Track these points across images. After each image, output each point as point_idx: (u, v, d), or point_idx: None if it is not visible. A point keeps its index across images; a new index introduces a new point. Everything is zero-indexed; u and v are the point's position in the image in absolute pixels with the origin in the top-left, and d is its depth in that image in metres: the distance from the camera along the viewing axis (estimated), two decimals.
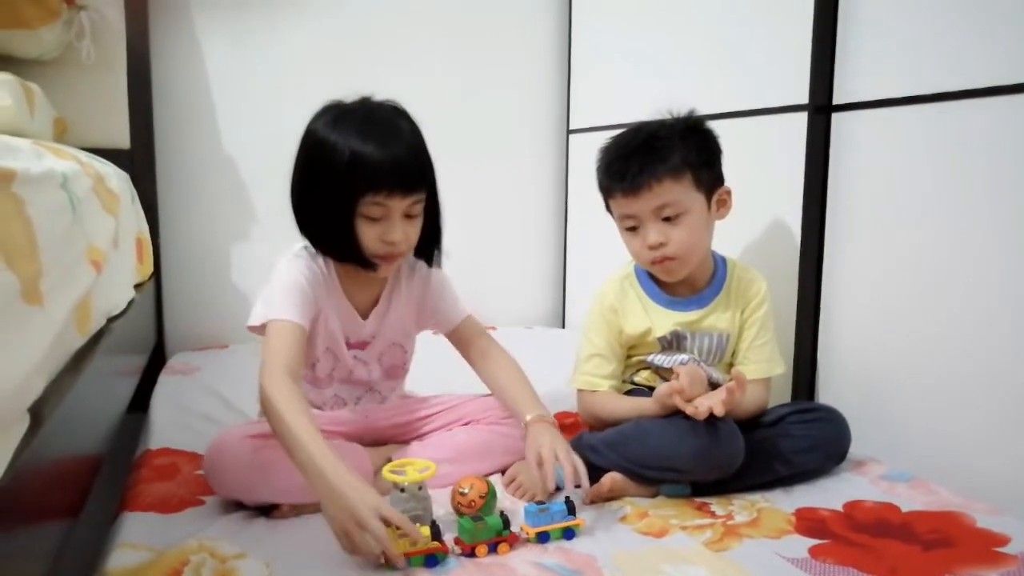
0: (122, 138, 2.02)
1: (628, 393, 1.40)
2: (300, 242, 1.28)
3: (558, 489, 1.19)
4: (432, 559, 1.00)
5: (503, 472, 1.30)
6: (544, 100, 2.57)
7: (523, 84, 2.55)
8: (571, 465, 1.13)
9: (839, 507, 1.19)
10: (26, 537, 0.73)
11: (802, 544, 1.07)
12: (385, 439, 1.37)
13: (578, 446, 1.30)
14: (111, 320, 1.21)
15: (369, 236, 1.19)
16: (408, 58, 2.38)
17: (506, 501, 1.21)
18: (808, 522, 1.14)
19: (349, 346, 1.32)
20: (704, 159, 1.34)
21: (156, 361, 2.01)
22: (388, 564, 0.97)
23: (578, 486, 1.14)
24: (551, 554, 1.03)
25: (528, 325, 2.60)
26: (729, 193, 1.38)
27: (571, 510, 1.08)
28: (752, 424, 1.30)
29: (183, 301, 2.25)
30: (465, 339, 1.37)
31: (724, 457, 1.20)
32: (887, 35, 1.42)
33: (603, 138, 1.41)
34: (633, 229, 1.36)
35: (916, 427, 1.39)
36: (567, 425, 1.52)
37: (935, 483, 1.27)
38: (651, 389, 1.31)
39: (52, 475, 0.82)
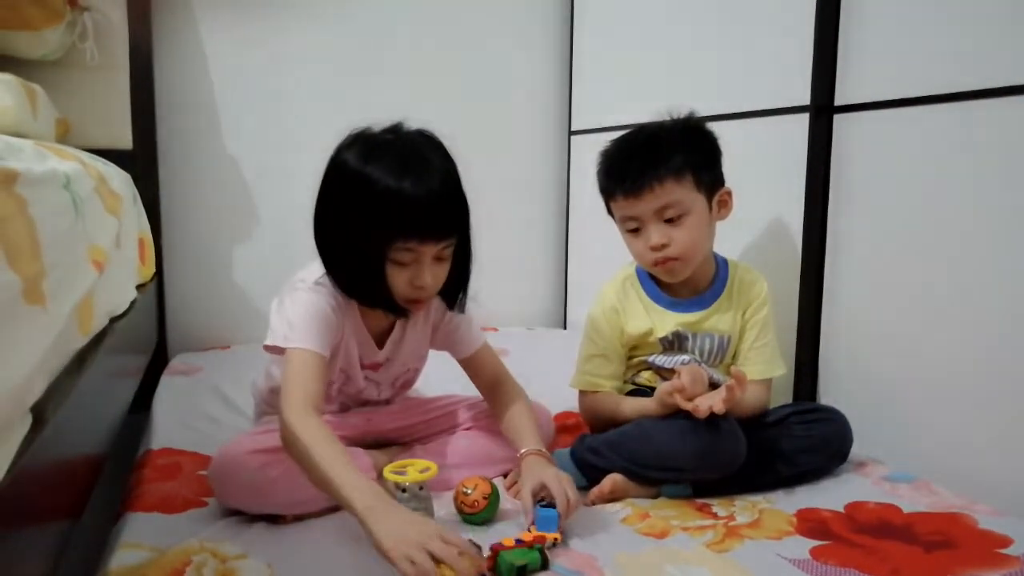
0: (124, 139, 2.02)
1: (629, 394, 1.40)
2: (314, 263, 1.21)
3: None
4: None
5: (505, 476, 1.30)
6: (546, 102, 2.57)
7: (525, 86, 2.55)
8: (564, 497, 1.08)
9: (841, 508, 1.19)
10: (28, 536, 0.73)
11: (803, 545, 1.07)
12: (387, 441, 1.37)
13: (579, 447, 1.30)
14: (113, 320, 1.21)
15: (398, 281, 1.14)
16: (410, 59, 2.39)
17: (508, 503, 1.21)
18: (809, 523, 1.14)
19: (362, 366, 1.30)
20: (705, 160, 1.34)
21: (158, 361, 2.01)
22: None
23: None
24: (552, 554, 1.03)
25: (529, 326, 2.60)
26: (730, 194, 1.38)
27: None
28: (754, 424, 1.30)
29: (185, 301, 2.25)
30: (477, 369, 1.34)
31: (726, 457, 1.20)
32: (889, 36, 1.42)
33: (605, 140, 1.41)
34: (635, 231, 1.36)
35: (918, 428, 1.38)
36: (568, 426, 1.52)
37: (937, 484, 1.26)
38: (652, 389, 1.31)
39: (54, 475, 0.82)
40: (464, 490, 1.14)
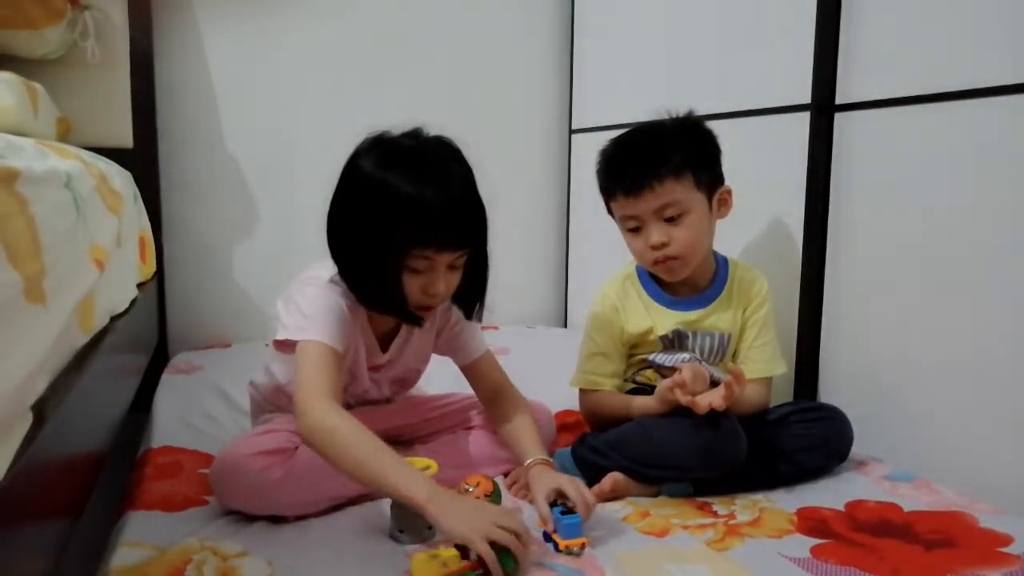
0: (125, 137, 2.02)
1: (630, 392, 1.40)
2: (321, 263, 1.20)
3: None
4: None
5: (506, 475, 1.30)
6: (547, 100, 2.57)
7: (526, 84, 2.55)
8: (584, 500, 1.07)
9: (841, 507, 1.19)
10: (29, 535, 0.73)
11: (804, 544, 1.07)
12: (388, 439, 1.37)
13: (580, 446, 1.30)
14: (114, 319, 1.21)
15: (412, 288, 1.13)
16: (411, 58, 2.39)
17: (508, 502, 1.21)
18: (810, 522, 1.14)
19: (367, 367, 1.30)
20: (705, 159, 1.34)
21: (159, 360, 2.01)
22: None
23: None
24: (553, 554, 1.03)
25: (530, 325, 2.60)
26: (730, 192, 1.38)
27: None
28: (754, 423, 1.30)
29: (186, 300, 2.25)
30: (479, 376, 1.34)
31: (727, 455, 1.20)
32: (890, 34, 1.42)
33: (605, 138, 1.41)
34: (635, 230, 1.36)
35: (918, 427, 1.38)
36: (569, 424, 1.52)
37: (937, 483, 1.27)
38: (653, 388, 1.32)
39: (55, 473, 0.82)
40: (466, 487, 1.14)
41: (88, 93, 1.95)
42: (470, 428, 1.37)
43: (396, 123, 1.18)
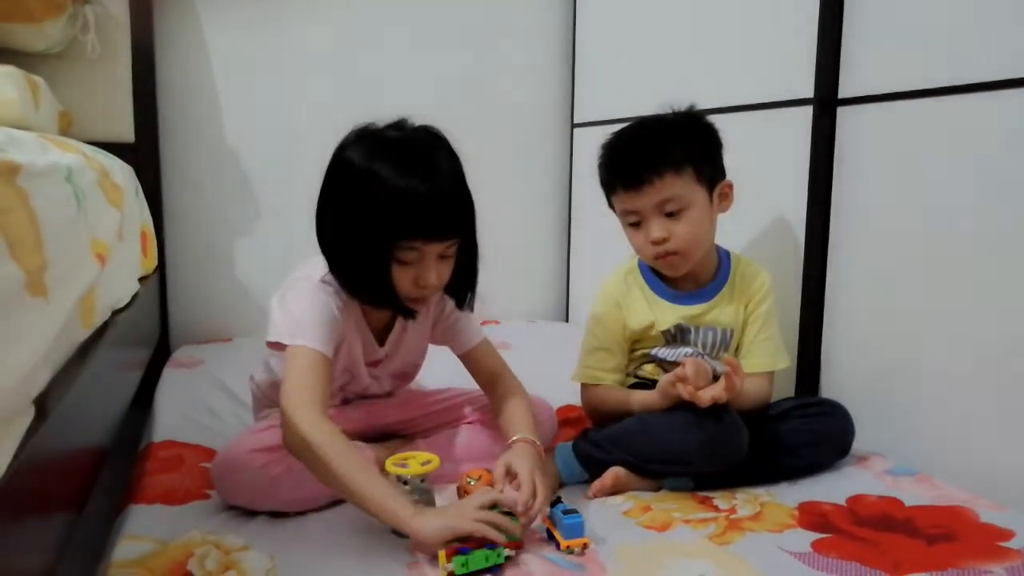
0: (126, 132, 2.02)
1: (632, 387, 1.40)
2: (314, 259, 1.20)
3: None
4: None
5: None
6: (549, 94, 2.57)
7: (528, 78, 2.55)
8: (530, 490, 1.06)
9: (842, 501, 1.19)
10: (32, 528, 0.73)
11: (805, 538, 1.07)
12: (389, 434, 1.37)
13: (581, 441, 1.30)
14: (115, 313, 1.21)
15: (403, 280, 1.13)
16: (412, 53, 2.38)
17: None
18: (811, 516, 1.14)
19: (365, 363, 1.30)
20: (705, 153, 1.34)
21: (160, 354, 2.01)
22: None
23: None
24: (554, 548, 1.03)
25: (532, 319, 2.60)
26: (731, 186, 1.38)
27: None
28: (756, 417, 1.30)
29: (187, 294, 2.26)
30: (477, 363, 1.33)
31: (728, 450, 1.20)
32: (893, 28, 1.41)
33: (608, 132, 1.41)
34: (636, 225, 1.35)
35: (920, 422, 1.38)
36: (571, 419, 1.52)
37: (939, 478, 1.27)
38: (655, 382, 1.31)
39: (57, 467, 0.83)
40: (468, 480, 1.14)
41: (89, 87, 1.95)
42: (471, 422, 1.37)
43: (400, 118, 1.17)
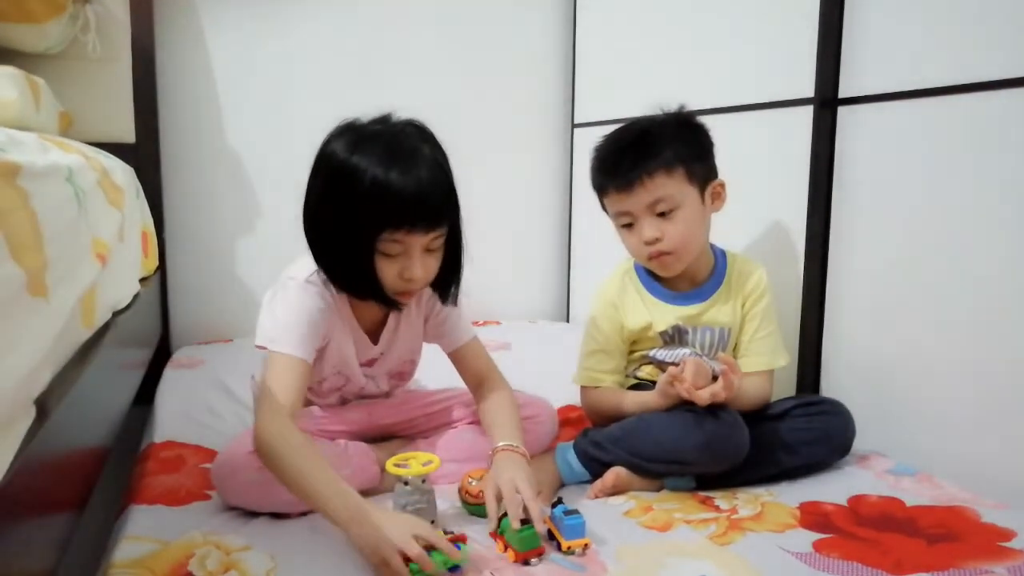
0: (127, 132, 2.02)
1: (631, 388, 1.40)
2: (306, 257, 1.20)
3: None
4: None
5: None
6: (549, 94, 2.57)
7: (528, 78, 2.55)
8: (519, 503, 1.03)
9: (843, 501, 1.19)
10: (32, 529, 0.73)
11: (806, 538, 1.07)
12: (389, 434, 1.37)
13: (582, 441, 1.30)
14: (116, 314, 1.21)
15: (388, 273, 1.13)
16: (413, 53, 2.38)
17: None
18: (812, 516, 1.14)
19: (359, 364, 1.30)
20: (696, 153, 1.34)
21: (161, 354, 2.01)
22: None
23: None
24: (556, 549, 1.03)
25: (532, 319, 2.60)
26: (723, 186, 1.38)
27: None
28: (757, 417, 1.30)
29: (188, 295, 2.26)
30: (465, 362, 1.33)
31: (729, 449, 1.20)
32: (894, 28, 1.41)
33: (608, 132, 1.41)
34: (628, 226, 1.36)
35: (921, 421, 1.38)
36: (571, 419, 1.52)
37: (940, 478, 1.27)
38: (654, 384, 1.32)
39: (58, 467, 0.82)
40: (470, 480, 1.14)
41: (90, 88, 1.95)
42: (472, 423, 1.37)
43: (399, 118, 1.18)
